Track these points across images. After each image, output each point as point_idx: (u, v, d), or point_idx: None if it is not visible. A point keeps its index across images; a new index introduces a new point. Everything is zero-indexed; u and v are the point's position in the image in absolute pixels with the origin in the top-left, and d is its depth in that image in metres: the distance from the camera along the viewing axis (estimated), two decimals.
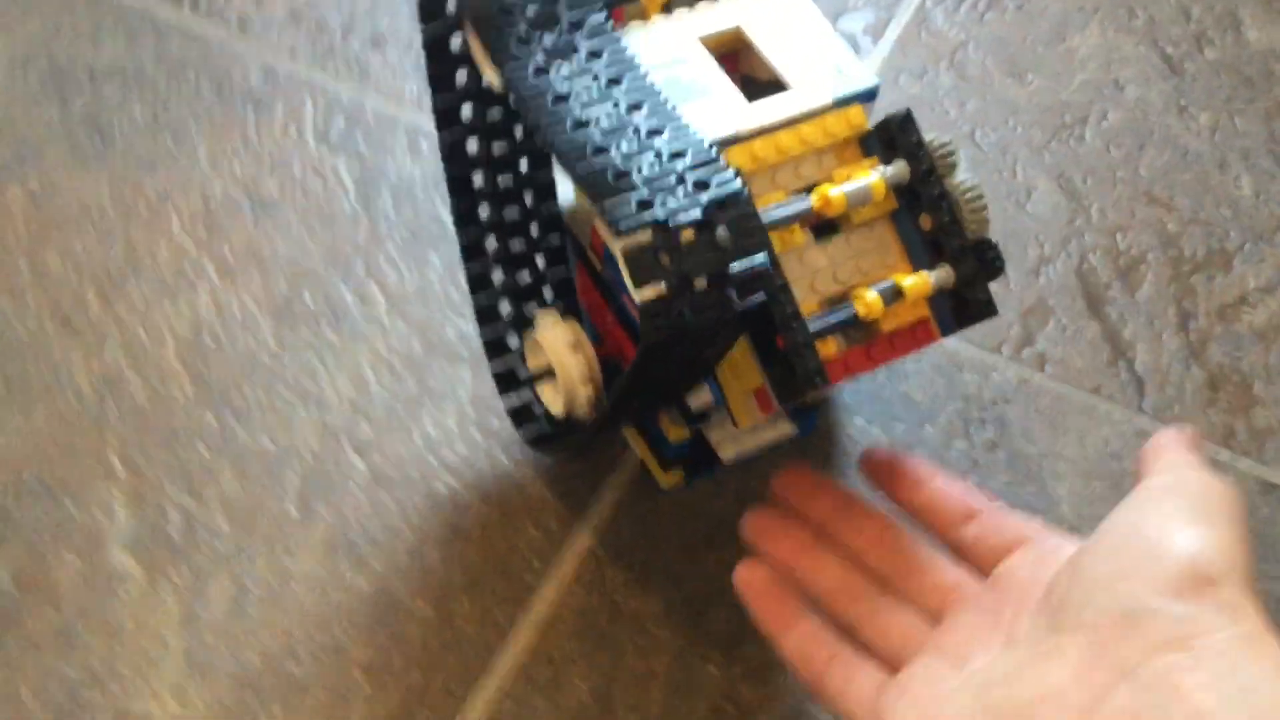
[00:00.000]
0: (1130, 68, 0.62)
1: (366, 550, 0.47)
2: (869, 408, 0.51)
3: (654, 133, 0.33)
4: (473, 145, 0.42)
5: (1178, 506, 0.34)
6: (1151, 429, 0.50)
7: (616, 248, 0.31)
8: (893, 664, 0.38)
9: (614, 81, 0.34)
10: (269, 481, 0.48)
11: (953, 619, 0.38)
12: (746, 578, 0.41)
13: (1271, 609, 0.46)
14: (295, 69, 0.60)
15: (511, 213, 0.44)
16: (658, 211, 0.31)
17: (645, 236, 0.31)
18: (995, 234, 0.55)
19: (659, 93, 0.35)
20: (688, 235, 0.31)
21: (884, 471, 0.42)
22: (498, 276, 0.45)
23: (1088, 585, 0.33)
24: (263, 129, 0.58)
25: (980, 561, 0.39)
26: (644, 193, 0.31)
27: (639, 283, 0.30)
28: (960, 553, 0.40)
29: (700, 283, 0.31)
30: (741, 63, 0.42)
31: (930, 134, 0.39)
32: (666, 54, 0.39)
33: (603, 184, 0.31)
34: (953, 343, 0.53)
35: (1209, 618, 0.31)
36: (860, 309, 0.37)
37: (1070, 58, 0.62)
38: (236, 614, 0.45)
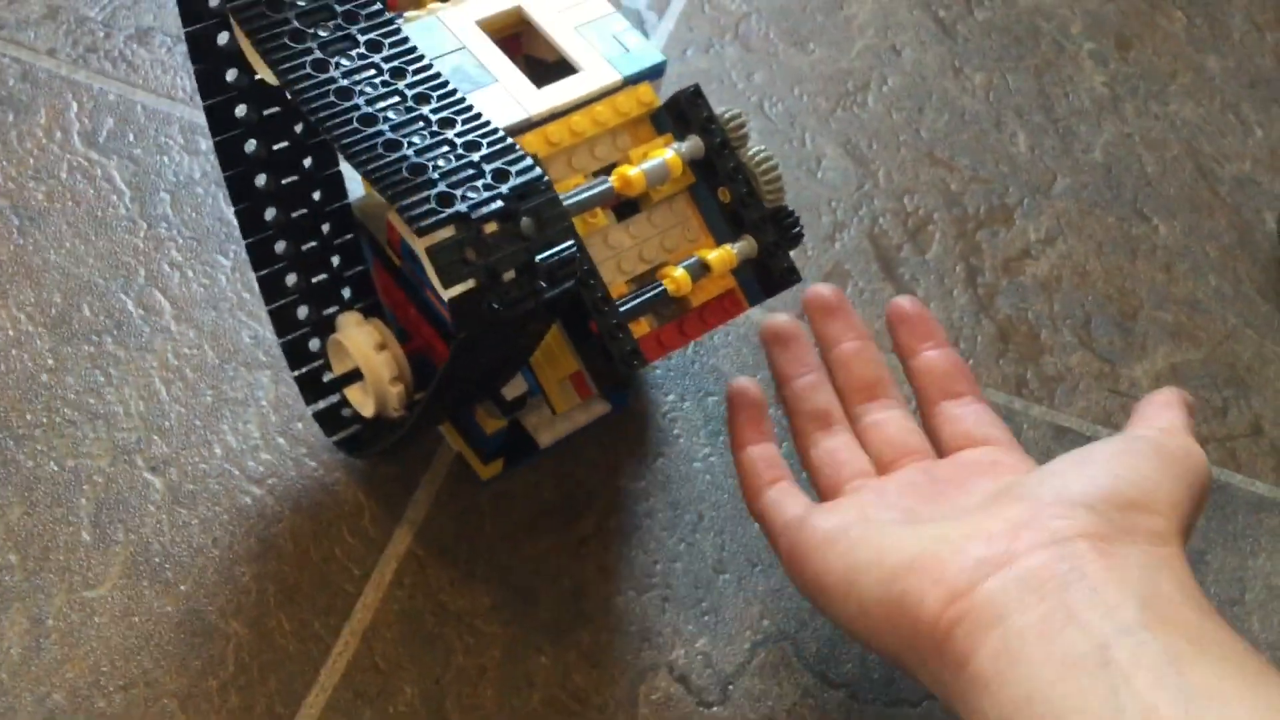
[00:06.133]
0: (906, 33, 0.64)
1: (171, 573, 0.44)
2: (680, 383, 0.51)
3: (446, 124, 0.32)
4: (250, 145, 0.40)
5: (1146, 451, 0.37)
6: None
7: (419, 247, 0.30)
8: (829, 497, 0.41)
9: (398, 73, 0.33)
10: (59, 508, 0.45)
11: (901, 474, 0.40)
12: (739, 392, 0.43)
13: None
14: (56, 68, 0.56)
15: (300, 213, 0.42)
16: (459, 206, 0.30)
17: (448, 233, 0.30)
18: (790, 202, 0.56)
19: (446, 83, 0.34)
20: (491, 228, 0.30)
21: (899, 321, 0.44)
22: (292, 280, 0.43)
23: (1044, 480, 0.36)
24: (25, 134, 0.54)
25: (945, 441, 0.42)
26: (442, 187, 0.30)
27: (446, 281, 0.29)
28: (931, 425, 0.43)
29: (508, 274, 0.30)
30: (525, 44, 0.41)
31: (720, 107, 0.39)
32: (447, 42, 0.38)
33: (399, 182, 0.30)
34: (758, 314, 0.53)
35: (1136, 534, 0.34)
36: (670, 286, 0.37)
37: (849, 25, 0.63)
38: (34, 652, 0.42)
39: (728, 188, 0.38)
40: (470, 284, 0.30)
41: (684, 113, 0.39)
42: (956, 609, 0.33)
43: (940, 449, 0.42)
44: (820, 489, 0.42)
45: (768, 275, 0.39)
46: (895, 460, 0.41)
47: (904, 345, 0.44)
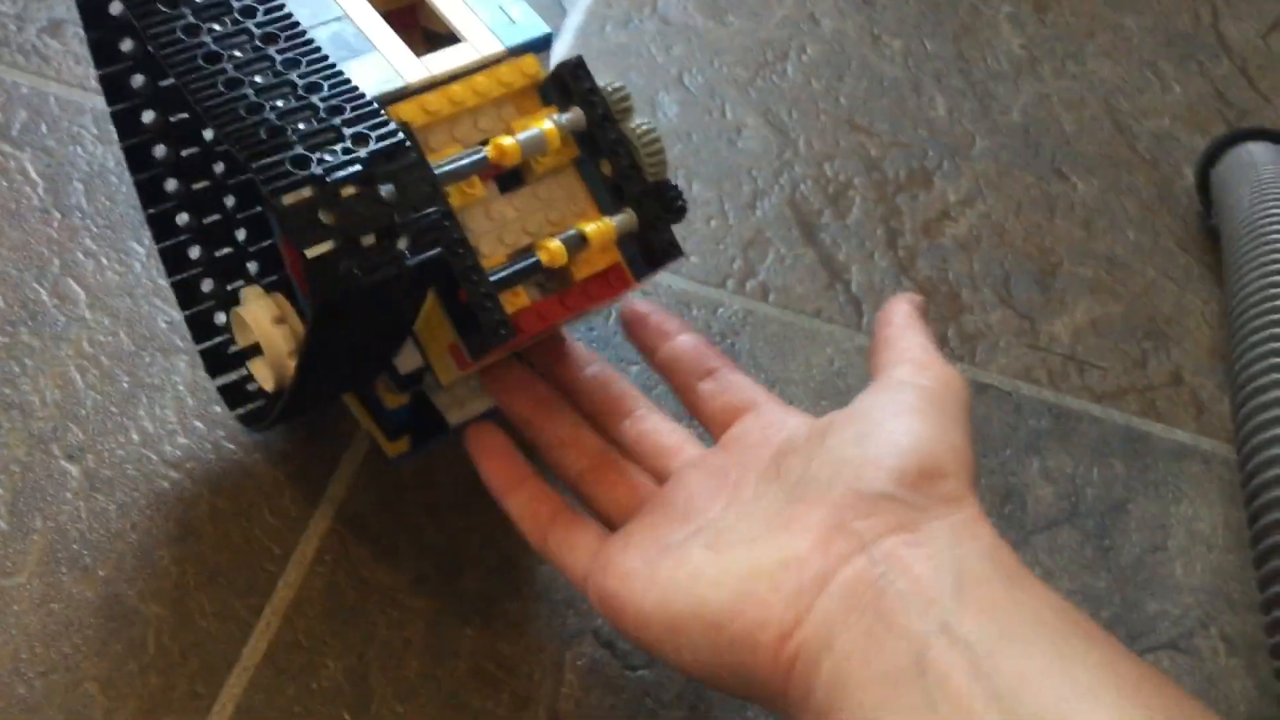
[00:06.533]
0: (825, 2, 0.64)
1: (90, 559, 0.44)
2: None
3: (311, 89, 0.32)
4: (148, 116, 0.41)
5: (916, 403, 0.36)
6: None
7: (276, 208, 0.30)
8: (618, 524, 0.40)
9: (269, 39, 0.33)
10: None
11: (678, 477, 0.40)
12: (478, 437, 0.42)
13: (988, 499, 0.49)
14: None
15: (201, 185, 0.43)
16: (314, 168, 0.30)
17: (305, 194, 0.30)
18: (710, 172, 0.56)
19: (318, 50, 0.34)
20: (349, 191, 0.30)
21: (636, 324, 0.45)
22: (195, 253, 0.44)
23: (831, 466, 0.36)
24: None
25: (711, 420, 0.42)
26: (299, 150, 0.30)
27: (300, 243, 0.29)
28: (695, 409, 0.43)
29: (367, 239, 0.30)
30: (421, 17, 0.41)
31: (604, 79, 0.39)
32: (328, 11, 0.38)
33: (255, 143, 0.30)
34: (680, 282, 0.54)
35: (935, 506, 0.34)
36: (543, 257, 0.37)
37: None
38: None
39: (610, 160, 0.39)
40: (328, 246, 0.30)
41: (566, 85, 0.39)
42: (789, 648, 0.33)
43: (710, 430, 0.42)
44: (609, 518, 0.41)
45: (650, 248, 0.39)
46: (667, 465, 0.41)
47: (647, 344, 0.44)
